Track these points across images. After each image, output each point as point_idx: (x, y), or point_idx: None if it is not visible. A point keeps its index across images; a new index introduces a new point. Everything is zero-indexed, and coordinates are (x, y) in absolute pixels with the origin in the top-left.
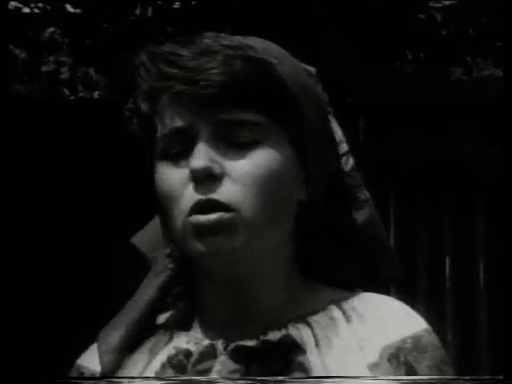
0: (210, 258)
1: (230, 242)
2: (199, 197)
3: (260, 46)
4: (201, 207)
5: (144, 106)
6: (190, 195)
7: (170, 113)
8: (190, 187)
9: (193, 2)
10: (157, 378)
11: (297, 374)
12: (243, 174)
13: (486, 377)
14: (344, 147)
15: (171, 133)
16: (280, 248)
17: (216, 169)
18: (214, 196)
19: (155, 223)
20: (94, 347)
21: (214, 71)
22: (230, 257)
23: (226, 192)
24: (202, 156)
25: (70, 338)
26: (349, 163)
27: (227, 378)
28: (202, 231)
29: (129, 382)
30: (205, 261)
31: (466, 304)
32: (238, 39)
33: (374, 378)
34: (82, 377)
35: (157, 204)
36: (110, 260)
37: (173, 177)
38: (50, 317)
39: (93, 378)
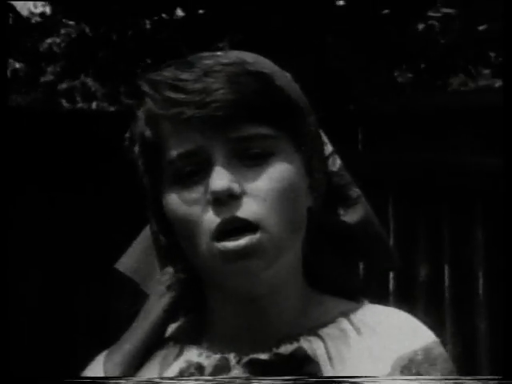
0: (237, 279)
1: (259, 264)
2: (222, 217)
3: (251, 59)
4: (225, 226)
5: (147, 133)
6: (211, 218)
7: (178, 137)
8: (210, 210)
9: (199, 11)
10: (163, 378)
11: None
12: (262, 190)
13: (486, 376)
14: (329, 148)
15: (181, 157)
16: (295, 259)
17: (236, 188)
18: (238, 214)
19: (138, 245)
20: (95, 362)
21: (222, 91)
22: (255, 276)
23: (248, 210)
24: (221, 177)
25: (71, 339)
26: (336, 163)
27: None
28: (231, 257)
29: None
30: (230, 281)
31: (465, 312)
32: (232, 55)
33: (396, 378)
34: (82, 377)
35: (159, 225)
36: (110, 262)
37: (189, 202)
38: (50, 318)
39: (94, 378)
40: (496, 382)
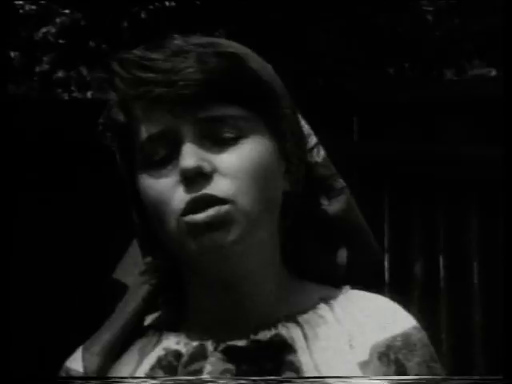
0: (206, 255)
1: (227, 236)
2: (192, 195)
3: (225, 42)
4: (195, 204)
5: (119, 117)
6: (181, 196)
7: (148, 119)
8: (180, 189)
9: (195, 1)
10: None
11: (287, 374)
12: (232, 168)
13: (486, 377)
14: (313, 139)
15: (152, 138)
16: (269, 243)
17: (206, 167)
18: (208, 191)
19: (133, 250)
20: (80, 350)
21: (190, 70)
22: (225, 252)
23: (218, 187)
24: (190, 156)
25: (69, 339)
26: (320, 154)
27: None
28: (198, 229)
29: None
30: (200, 259)
31: (459, 303)
32: (205, 38)
33: (373, 378)
34: (83, 377)
35: (138, 213)
36: (109, 260)
37: (160, 182)
38: (49, 318)
39: (94, 377)
40: (496, 381)
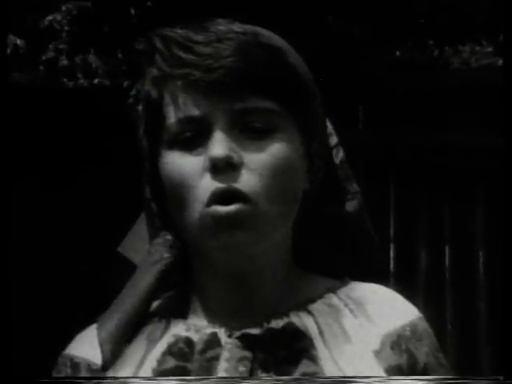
0: (223, 251)
1: (248, 238)
2: (218, 185)
3: (266, 33)
4: (220, 194)
5: (153, 92)
6: (207, 184)
7: (183, 99)
8: (207, 176)
9: None
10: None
11: (303, 362)
12: (260, 164)
13: (486, 377)
14: (334, 139)
15: (183, 121)
16: (285, 239)
17: (235, 158)
18: (234, 184)
19: (138, 225)
20: (83, 337)
21: (232, 58)
22: (241, 251)
23: (244, 182)
24: (221, 145)
25: (70, 339)
26: (339, 155)
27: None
28: (220, 224)
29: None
30: (217, 255)
31: (465, 293)
32: (248, 27)
33: (393, 378)
34: (83, 377)
35: (153, 190)
36: (109, 259)
37: (186, 165)
38: (50, 317)
39: (95, 377)
40: (496, 382)
